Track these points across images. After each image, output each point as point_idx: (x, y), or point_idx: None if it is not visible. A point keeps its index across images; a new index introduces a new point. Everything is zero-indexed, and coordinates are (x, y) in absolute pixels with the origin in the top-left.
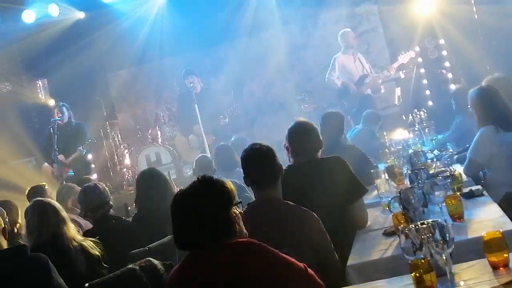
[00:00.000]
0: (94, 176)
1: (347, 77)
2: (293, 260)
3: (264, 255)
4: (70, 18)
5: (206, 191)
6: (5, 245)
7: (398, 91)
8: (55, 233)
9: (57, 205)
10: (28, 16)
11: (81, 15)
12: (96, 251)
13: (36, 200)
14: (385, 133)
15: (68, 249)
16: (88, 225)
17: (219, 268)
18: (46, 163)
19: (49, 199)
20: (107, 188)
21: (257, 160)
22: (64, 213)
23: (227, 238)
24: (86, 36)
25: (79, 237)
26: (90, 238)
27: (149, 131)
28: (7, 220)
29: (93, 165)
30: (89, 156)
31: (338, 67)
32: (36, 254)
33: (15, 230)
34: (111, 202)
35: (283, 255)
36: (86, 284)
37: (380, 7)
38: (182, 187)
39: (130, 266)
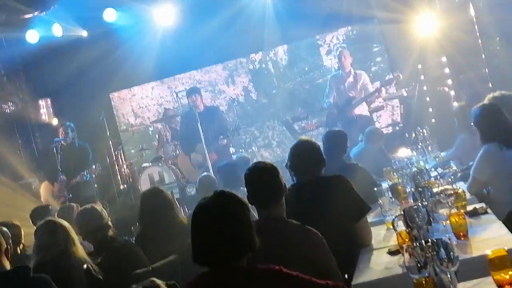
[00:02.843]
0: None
1: (338, 98)
2: (314, 279)
3: (289, 283)
4: (73, 37)
5: (235, 203)
6: (7, 266)
7: (400, 109)
8: (62, 252)
9: (68, 225)
10: (32, 36)
11: (84, 33)
12: (98, 275)
13: (48, 220)
14: (391, 155)
15: (73, 268)
16: (90, 247)
17: None
18: (45, 182)
19: (60, 219)
20: (104, 210)
21: (261, 178)
22: (73, 234)
23: (249, 251)
24: (89, 55)
25: (86, 258)
26: (96, 260)
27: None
28: (10, 241)
29: (96, 185)
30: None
31: (330, 88)
32: (39, 275)
33: (18, 251)
34: (109, 223)
35: (303, 276)
36: None
37: (382, 26)
38: (204, 198)
39: (134, 286)
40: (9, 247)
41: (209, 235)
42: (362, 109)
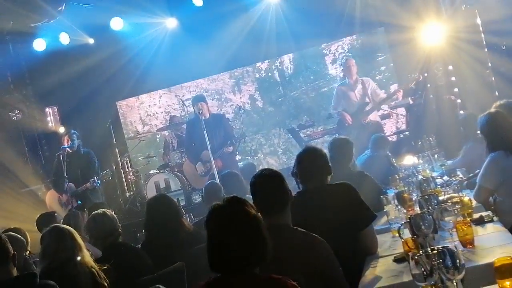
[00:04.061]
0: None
1: (347, 106)
2: None
3: None
4: (80, 45)
5: (249, 207)
6: (14, 272)
7: (407, 117)
8: (69, 258)
9: (74, 231)
10: (39, 44)
11: (90, 41)
12: (104, 282)
13: (54, 226)
14: (397, 163)
15: (79, 275)
16: (97, 252)
17: None
18: (51, 190)
19: (66, 226)
20: (115, 215)
21: (266, 186)
22: (80, 240)
23: (265, 257)
24: (95, 63)
25: (92, 264)
26: (102, 266)
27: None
28: (25, 244)
29: (102, 192)
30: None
31: (338, 96)
32: (45, 282)
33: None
34: (120, 229)
35: None
36: None
37: (389, 34)
38: (216, 204)
39: None
40: (15, 253)
41: (224, 240)
42: (373, 115)
